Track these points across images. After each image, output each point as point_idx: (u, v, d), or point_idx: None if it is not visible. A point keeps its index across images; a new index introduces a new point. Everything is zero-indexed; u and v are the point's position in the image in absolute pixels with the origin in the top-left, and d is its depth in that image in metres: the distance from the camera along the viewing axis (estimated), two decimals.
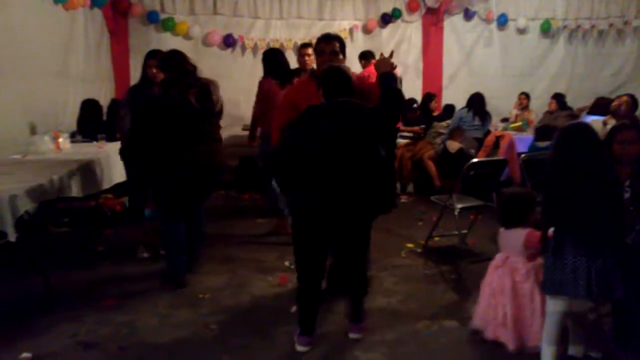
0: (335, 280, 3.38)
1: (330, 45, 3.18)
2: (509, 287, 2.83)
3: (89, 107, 5.61)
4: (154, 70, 4.09)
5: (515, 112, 7.74)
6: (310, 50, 4.77)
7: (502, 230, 3.01)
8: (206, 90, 3.54)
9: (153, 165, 3.61)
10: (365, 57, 6.09)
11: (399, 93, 2.82)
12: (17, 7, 4.76)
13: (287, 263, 4.16)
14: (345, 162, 2.64)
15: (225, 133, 5.34)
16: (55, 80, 5.67)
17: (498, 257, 2.99)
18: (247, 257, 4.34)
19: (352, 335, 2.98)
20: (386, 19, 8.28)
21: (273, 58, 4.87)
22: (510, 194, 3.14)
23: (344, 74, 2.82)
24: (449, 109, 7.41)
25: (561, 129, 2.63)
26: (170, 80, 3.52)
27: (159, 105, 3.51)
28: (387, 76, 2.85)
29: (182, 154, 3.51)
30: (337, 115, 2.69)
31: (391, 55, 3.02)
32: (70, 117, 5.82)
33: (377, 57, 3.33)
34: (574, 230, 2.37)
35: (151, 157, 3.60)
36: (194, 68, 3.58)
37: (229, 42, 7.82)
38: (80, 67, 6.31)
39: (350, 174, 2.66)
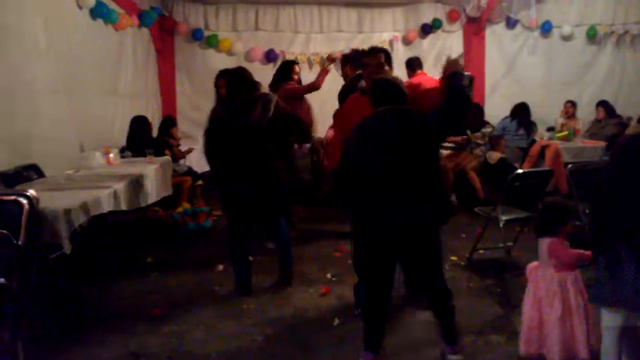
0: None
1: (375, 58, 3.24)
2: (537, 298, 2.76)
3: (138, 123, 5.81)
4: (224, 89, 4.28)
5: (561, 121, 7.56)
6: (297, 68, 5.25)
7: (538, 239, 2.95)
8: (247, 107, 3.58)
9: (216, 179, 3.80)
10: (412, 65, 5.97)
11: (464, 91, 2.69)
12: (72, 27, 5.00)
13: (329, 275, 4.18)
14: (408, 168, 2.61)
15: None
16: (105, 97, 5.91)
17: (527, 267, 2.93)
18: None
19: (451, 358, 2.83)
20: (426, 30, 8.26)
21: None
22: (546, 202, 3.08)
23: (393, 83, 2.80)
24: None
25: (625, 138, 2.54)
26: (226, 97, 3.70)
27: (210, 123, 3.68)
28: (454, 75, 2.74)
29: (234, 169, 3.63)
30: (392, 122, 2.64)
31: (460, 56, 2.93)
32: (119, 133, 6.05)
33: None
34: (635, 241, 2.28)
35: (215, 171, 3.79)
36: (249, 84, 3.63)
37: (270, 57, 7.97)
38: (129, 84, 6.55)
39: (413, 180, 2.62)
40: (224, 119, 3.59)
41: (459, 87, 2.65)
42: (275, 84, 5.18)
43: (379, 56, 3.27)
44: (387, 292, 2.79)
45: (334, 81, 5.35)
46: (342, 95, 4.68)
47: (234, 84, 3.66)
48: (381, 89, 2.79)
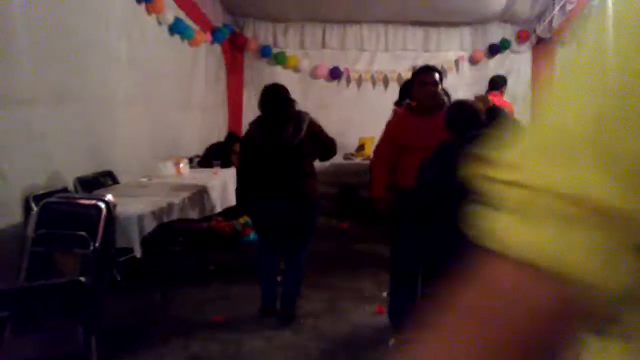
0: None
1: (431, 77, 3.23)
2: None
3: (231, 138, 6.22)
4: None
5: None
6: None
7: None
8: (280, 124, 3.48)
9: (244, 195, 3.76)
10: (497, 85, 5.69)
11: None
12: (151, 42, 5.29)
13: (384, 294, 4.18)
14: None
15: (328, 162, 5.57)
16: (178, 109, 6.20)
17: None
18: (346, 285, 4.41)
19: None
20: (494, 50, 8.15)
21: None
22: None
23: (469, 107, 2.79)
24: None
25: None
26: (260, 114, 3.63)
27: (244, 138, 3.72)
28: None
29: (265, 186, 3.55)
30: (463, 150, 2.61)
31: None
32: (189, 144, 6.32)
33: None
34: None
35: (244, 187, 3.75)
36: (282, 101, 3.55)
37: (335, 74, 8.11)
38: (200, 97, 6.84)
39: None
40: (255, 136, 3.57)
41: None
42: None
43: (433, 75, 3.25)
44: None
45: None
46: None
47: (267, 100, 3.56)
48: (458, 115, 2.76)
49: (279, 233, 3.69)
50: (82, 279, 2.35)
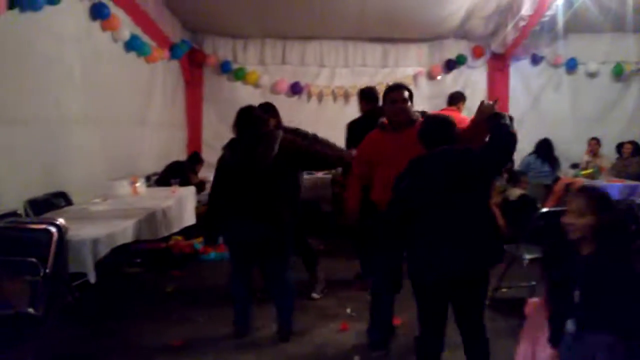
0: None
1: (399, 94, 3.30)
2: (533, 334, 2.67)
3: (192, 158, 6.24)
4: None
5: (586, 158, 7.48)
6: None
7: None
8: (251, 145, 3.43)
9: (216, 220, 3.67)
10: (455, 100, 5.73)
11: (508, 128, 2.63)
12: (106, 59, 5.18)
13: (348, 310, 4.16)
14: (457, 211, 2.56)
15: None
16: (134, 127, 6.07)
17: (527, 302, 2.87)
18: (308, 303, 4.36)
19: None
20: (450, 65, 8.32)
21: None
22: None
23: (445, 122, 2.78)
24: None
25: None
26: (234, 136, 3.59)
27: (218, 162, 3.66)
28: (496, 115, 2.71)
29: (237, 209, 3.49)
30: (442, 163, 2.61)
31: (495, 102, 2.88)
32: (146, 162, 6.19)
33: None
34: None
35: (216, 212, 3.65)
36: (255, 122, 3.52)
37: (295, 89, 8.11)
38: (157, 114, 6.72)
39: (463, 222, 2.57)
40: (227, 158, 3.53)
41: (506, 126, 2.63)
42: None
43: (402, 92, 3.32)
44: (439, 334, 2.74)
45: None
46: (352, 129, 4.76)
47: (239, 122, 3.53)
48: (432, 129, 2.76)
49: (252, 256, 3.63)
50: (31, 310, 2.23)
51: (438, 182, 2.58)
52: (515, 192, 5.84)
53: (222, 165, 3.59)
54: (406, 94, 3.32)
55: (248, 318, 3.74)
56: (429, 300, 2.73)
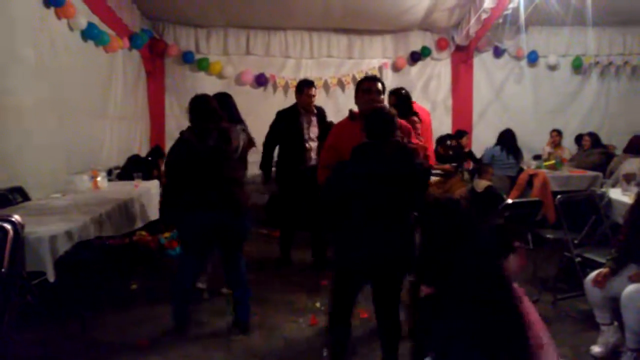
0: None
1: (374, 85, 3.41)
2: None
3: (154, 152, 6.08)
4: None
5: (548, 149, 7.65)
6: (314, 91, 5.09)
7: None
8: (225, 135, 3.51)
9: (176, 206, 3.60)
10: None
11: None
12: (62, 49, 4.95)
13: (317, 304, 4.13)
14: (388, 203, 2.66)
15: (256, 169, 5.47)
16: (94, 119, 5.84)
17: None
18: (278, 298, 4.31)
19: None
20: (415, 57, 8.36)
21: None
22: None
23: (386, 114, 2.84)
24: None
25: None
26: (191, 124, 3.56)
27: (175, 150, 3.56)
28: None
29: (199, 197, 3.47)
30: (383, 154, 2.69)
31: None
32: (107, 155, 5.99)
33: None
34: None
35: (175, 199, 3.59)
36: (215, 112, 3.55)
37: (260, 81, 7.99)
38: (118, 106, 6.50)
39: (390, 217, 2.68)
40: (195, 146, 3.46)
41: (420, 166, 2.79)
42: None
43: (376, 84, 3.42)
44: (346, 316, 2.89)
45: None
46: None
47: (204, 110, 3.52)
48: (376, 120, 2.81)
49: (209, 246, 3.65)
50: None
51: (375, 172, 2.66)
52: (481, 184, 5.93)
53: (188, 152, 3.48)
54: (379, 86, 3.43)
55: (188, 313, 3.71)
56: (346, 284, 2.85)
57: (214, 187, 3.47)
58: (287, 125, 5.07)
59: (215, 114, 3.54)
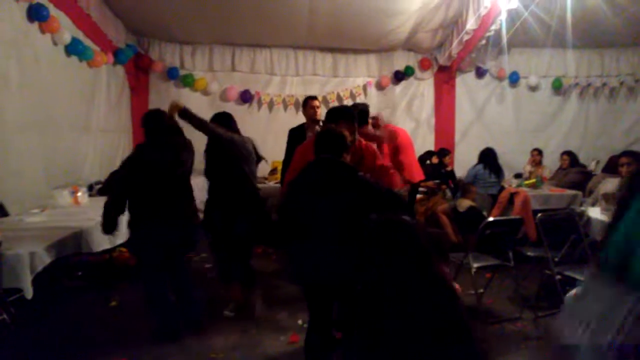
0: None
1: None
2: None
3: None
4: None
5: (528, 168, 7.75)
6: (317, 102, 5.19)
7: None
8: (176, 150, 3.65)
9: (133, 220, 3.66)
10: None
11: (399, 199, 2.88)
12: (45, 63, 4.93)
13: (299, 321, 4.10)
14: (329, 219, 2.67)
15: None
16: (77, 133, 5.80)
17: None
18: (259, 314, 4.28)
19: None
20: (399, 76, 8.46)
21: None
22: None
23: (336, 134, 2.90)
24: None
25: None
26: (146, 138, 3.72)
27: (129, 163, 3.62)
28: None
29: (153, 210, 3.56)
30: (322, 170, 2.76)
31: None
32: (89, 170, 5.93)
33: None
34: None
35: (132, 212, 3.66)
36: (168, 127, 3.68)
37: (245, 97, 8.02)
38: (101, 120, 6.47)
39: (337, 231, 2.68)
40: (154, 158, 3.53)
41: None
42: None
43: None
44: (321, 331, 2.89)
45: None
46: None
47: (159, 124, 3.66)
48: (323, 139, 2.89)
49: (168, 257, 3.72)
50: None
51: (317, 191, 2.71)
52: (464, 203, 5.98)
53: (146, 163, 3.53)
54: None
55: (175, 320, 3.76)
56: (311, 299, 2.89)
57: (167, 200, 3.58)
58: (298, 141, 5.11)
59: (169, 128, 3.68)
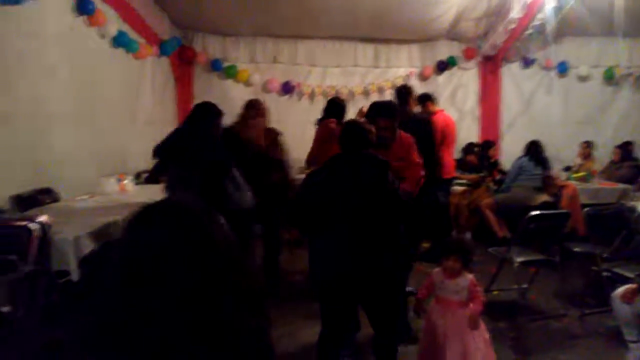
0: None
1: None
2: None
3: None
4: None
5: (578, 161, 7.49)
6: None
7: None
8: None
9: None
10: (423, 100, 5.82)
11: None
12: (93, 56, 5.08)
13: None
14: (359, 215, 2.61)
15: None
16: (123, 124, 5.97)
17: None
18: (296, 305, 4.28)
19: None
20: (442, 66, 8.30)
21: (335, 104, 4.94)
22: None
23: (359, 127, 2.83)
24: None
25: None
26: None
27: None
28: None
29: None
30: (356, 167, 2.68)
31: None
32: (135, 159, 6.09)
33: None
34: None
35: None
36: None
37: (287, 88, 8.05)
38: (146, 112, 6.62)
39: (366, 226, 2.62)
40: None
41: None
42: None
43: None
44: (339, 333, 2.79)
45: None
46: None
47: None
48: (348, 133, 2.81)
49: None
50: (5, 309, 2.15)
51: (349, 185, 2.62)
52: (540, 198, 5.69)
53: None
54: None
55: None
56: (330, 299, 2.74)
57: None
58: None
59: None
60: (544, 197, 5.69)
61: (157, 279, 1.09)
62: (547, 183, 5.88)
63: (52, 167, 4.32)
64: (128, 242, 1.16)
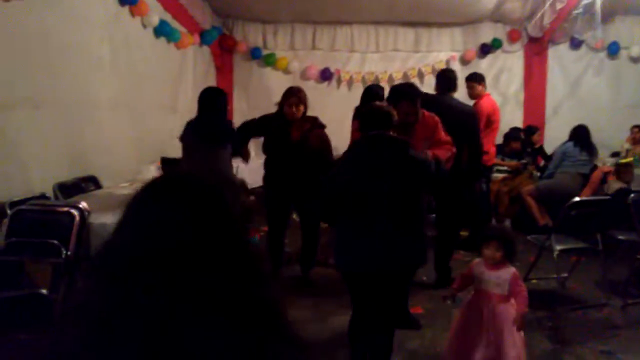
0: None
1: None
2: None
3: None
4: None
5: (627, 146, 7.16)
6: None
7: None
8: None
9: None
10: (475, 80, 5.73)
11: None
12: (135, 45, 5.23)
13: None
14: (385, 199, 2.56)
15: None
16: (164, 112, 6.12)
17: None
18: (327, 291, 4.31)
19: None
20: (485, 49, 8.09)
21: (371, 92, 4.90)
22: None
23: (378, 110, 2.79)
24: None
25: None
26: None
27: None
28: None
29: None
30: (376, 148, 2.64)
31: None
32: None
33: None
34: None
35: None
36: None
37: (325, 75, 8.04)
38: (187, 100, 6.75)
39: (392, 213, 2.56)
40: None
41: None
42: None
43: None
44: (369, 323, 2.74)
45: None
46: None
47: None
48: (367, 115, 2.77)
49: None
50: (44, 291, 2.27)
51: (368, 170, 2.58)
52: (614, 185, 5.51)
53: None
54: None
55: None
56: (358, 289, 2.71)
57: None
58: None
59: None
60: (619, 184, 5.45)
61: (172, 260, 0.92)
62: (620, 170, 5.61)
63: (95, 155, 4.50)
64: (134, 221, 0.99)
